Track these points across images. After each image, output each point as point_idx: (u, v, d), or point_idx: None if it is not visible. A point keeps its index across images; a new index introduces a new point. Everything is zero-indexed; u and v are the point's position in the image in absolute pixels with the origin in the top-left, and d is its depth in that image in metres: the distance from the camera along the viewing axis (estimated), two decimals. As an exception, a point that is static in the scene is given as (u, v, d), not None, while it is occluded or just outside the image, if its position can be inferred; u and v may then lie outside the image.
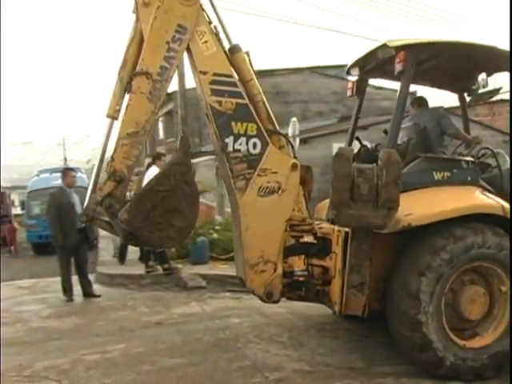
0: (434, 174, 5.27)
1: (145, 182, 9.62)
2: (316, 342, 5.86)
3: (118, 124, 4.75)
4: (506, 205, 4.99)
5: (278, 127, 5.15)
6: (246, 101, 4.89)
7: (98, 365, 5.41)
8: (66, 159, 59.49)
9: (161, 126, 31.46)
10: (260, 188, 4.88)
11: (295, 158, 5.06)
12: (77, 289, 8.92)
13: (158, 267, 9.92)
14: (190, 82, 20.32)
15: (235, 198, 4.91)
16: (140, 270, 10.25)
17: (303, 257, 5.39)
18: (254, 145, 4.87)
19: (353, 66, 6.10)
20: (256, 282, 4.95)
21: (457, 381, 4.76)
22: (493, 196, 5.17)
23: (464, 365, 4.81)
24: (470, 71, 5.87)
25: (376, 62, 5.72)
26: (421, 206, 4.95)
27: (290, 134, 11.62)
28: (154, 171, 8.36)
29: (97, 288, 9.27)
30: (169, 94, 25.46)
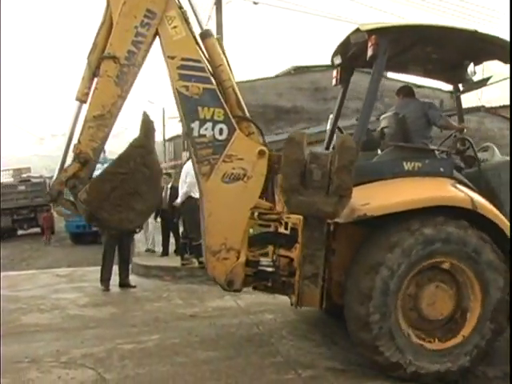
0: (405, 163, 5.05)
1: (182, 176, 9.74)
2: (349, 341, 5.77)
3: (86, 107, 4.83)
4: (478, 198, 4.76)
5: (247, 113, 5.09)
6: (214, 86, 4.87)
7: (132, 354, 5.48)
8: (104, 151, 60.29)
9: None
10: (225, 174, 4.83)
11: (264, 145, 4.96)
12: (114, 279, 9.06)
13: (194, 260, 9.98)
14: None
15: (200, 184, 4.90)
16: (176, 262, 10.36)
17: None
18: (221, 130, 4.84)
19: (335, 53, 5.93)
20: (218, 269, 4.92)
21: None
22: (465, 189, 4.91)
23: (425, 368, 4.63)
24: (457, 59, 5.63)
25: (356, 49, 5.50)
26: (381, 196, 4.78)
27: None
28: (191, 165, 8.41)
29: (132, 279, 9.38)
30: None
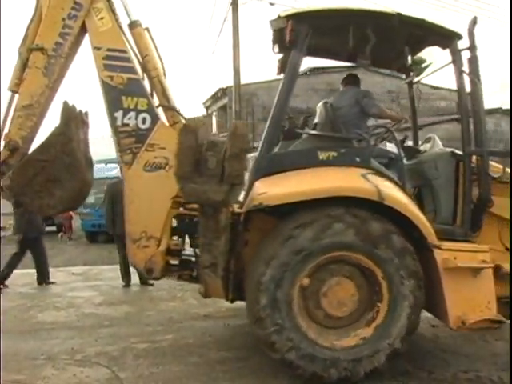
0: (319, 153, 4.82)
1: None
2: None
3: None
4: (387, 190, 4.55)
5: (174, 103, 5.13)
6: (138, 76, 4.95)
7: (146, 354, 5.49)
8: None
9: (214, 120, 31.69)
10: (146, 163, 4.89)
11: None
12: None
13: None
14: (245, 78, 20.41)
15: (122, 172, 4.95)
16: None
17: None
18: (144, 120, 4.91)
19: (273, 42, 5.69)
20: (138, 256, 4.97)
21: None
22: (376, 179, 4.66)
23: (327, 366, 4.46)
24: (392, 45, 5.46)
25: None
26: (283, 185, 4.62)
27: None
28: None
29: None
30: (223, 89, 25.70)
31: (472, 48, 4.92)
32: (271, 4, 18.80)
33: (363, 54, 5.90)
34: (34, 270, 9.68)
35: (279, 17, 4.89)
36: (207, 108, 33.16)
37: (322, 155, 4.82)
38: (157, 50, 5.23)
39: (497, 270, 4.96)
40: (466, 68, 4.99)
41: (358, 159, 4.86)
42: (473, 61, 4.93)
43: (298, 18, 4.80)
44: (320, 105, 5.71)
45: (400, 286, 4.54)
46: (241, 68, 18.07)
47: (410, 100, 6.57)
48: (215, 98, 29.38)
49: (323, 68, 27.72)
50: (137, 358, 5.36)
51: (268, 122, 4.90)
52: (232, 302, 4.95)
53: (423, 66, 5.90)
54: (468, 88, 5.00)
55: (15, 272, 9.44)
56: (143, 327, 6.54)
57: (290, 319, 4.47)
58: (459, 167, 5.15)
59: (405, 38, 5.29)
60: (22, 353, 5.49)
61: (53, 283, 9.51)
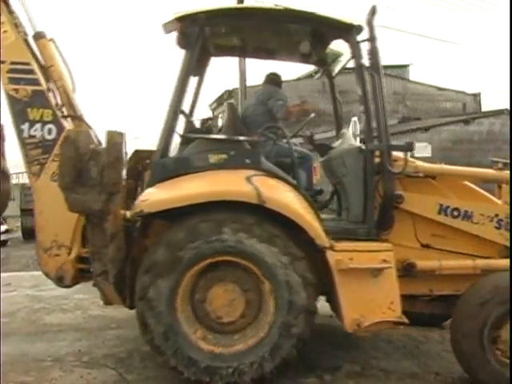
0: (210, 156, 4.76)
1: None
2: (371, 345, 5.79)
3: None
4: (268, 192, 4.43)
5: (80, 112, 5.18)
6: (43, 87, 4.97)
7: (153, 356, 5.43)
8: (126, 153, 60.68)
9: (220, 122, 31.73)
10: (54, 173, 4.88)
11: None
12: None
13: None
14: (250, 80, 20.43)
15: (31, 183, 4.98)
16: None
17: None
18: (50, 131, 4.95)
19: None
20: (49, 265, 5.01)
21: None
22: (261, 181, 4.54)
23: (213, 372, 4.39)
24: (298, 40, 5.33)
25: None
26: (166, 192, 4.60)
27: (350, 134, 11.53)
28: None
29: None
30: (229, 91, 25.73)
31: (371, 39, 4.85)
32: (276, 6, 18.79)
33: (274, 50, 5.94)
34: (39, 272, 9.69)
35: (171, 20, 4.87)
36: (213, 110, 33.22)
37: (213, 158, 4.77)
38: (64, 61, 5.27)
39: (410, 267, 4.97)
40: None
41: (247, 161, 4.79)
42: (373, 53, 4.86)
43: (187, 19, 4.79)
44: (225, 105, 5.72)
45: (286, 290, 4.45)
46: (246, 70, 18.11)
47: (330, 92, 6.49)
48: (221, 100, 29.42)
49: (329, 70, 27.69)
50: (143, 360, 5.35)
51: (162, 128, 4.87)
52: (131, 308, 4.85)
53: (336, 58, 5.90)
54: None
55: (22, 274, 9.46)
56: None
57: (174, 325, 4.44)
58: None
59: (306, 33, 5.23)
60: (29, 355, 5.50)
61: None
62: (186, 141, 5.15)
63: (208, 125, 5.85)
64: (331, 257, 4.57)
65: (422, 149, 14.01)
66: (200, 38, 4.82)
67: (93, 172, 4.45)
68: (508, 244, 5.20)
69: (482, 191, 5.50)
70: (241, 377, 4.41)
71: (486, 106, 28.47)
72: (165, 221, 4.68)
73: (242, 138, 5.06)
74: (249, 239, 4.41)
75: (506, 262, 5.07)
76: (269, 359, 4.44)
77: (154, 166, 4.92)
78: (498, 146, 17.60)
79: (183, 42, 4.90)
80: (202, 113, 34.45)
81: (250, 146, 5.00)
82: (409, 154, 4.86)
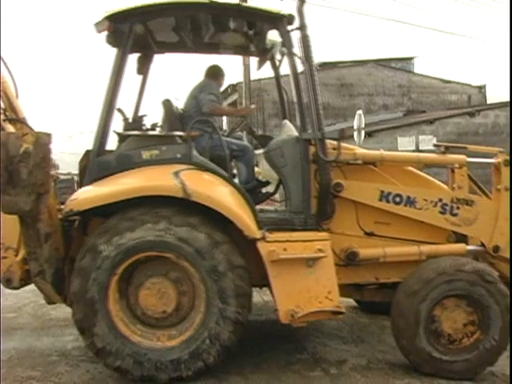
0: (143, 153, 4.81)
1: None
2: (377, 339, 5.79)
3: None
4: (195, 186, 4.48)
5: (23, 115, 5.14)
6: None
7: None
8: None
9: (225, 116, 31.67)
10: None
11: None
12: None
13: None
14: (254, 74, 20.39)
15: None
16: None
17: None
18: None
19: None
20: None
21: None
22: (190, 176, 4.59)
23: (155, 367, 4.44)
24: (233, 32, 5.34)
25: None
26: (97, 190, 4.63)
27: (355, 127, 11.51)
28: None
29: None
30: (233, 85, 25.71)
31: (302, 28, 4.82)
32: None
33: (213, 44, 5.90)
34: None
35: (102, 19, 4.84)
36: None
37: (146, 154, 4.82)
38: (5, 65, 5.18)
39: (353, 256, 4.99)
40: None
41: (179, 155, 4.83)
42: (304, 41, 4.82)
43: (117, 17, 4.78)
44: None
45: (214, 276, 4.46)
46: (250, 64, 18.06)
47: (275, 82, 6.31)
48: (225, 94, 29.37)
49: (333, 63, 27.67)
50: (149, 354, 5.36)
51: (96, 127, 4.88)
52: (71, 306, 4.81)
53: (276, 49, 5.78)
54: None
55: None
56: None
57: (110, 326, 4.47)
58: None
59: (239, 25, 5.20)
60: (35, 349, 5.53)
61: None
62: (122, 139, 5.16)
63: (144, 122, 5.83)
64: (263, 248, 4.58)
65: (428, 141, 13.94)
66: (131, 35, 4.82)
67: (23, 173, 4.42)
68: (455, 229, 5.22)
69: (427, 176, 5.50)
70: (184, 368, 4.48)
71: (492, 98, 28.32)
72: (103, 218, 4.67)
73: (170, 133, 5.13)
74: (171, 232, 4.43)
75: (449, 247, 5.15)
76: (209, 348, 4.49)
77: (89, 166, 4.92)
78: (503, 138, 17.50)
79: (114, 40, 4.86)
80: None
81: (182, 141, 5.01)
82: (357, 142, 4.88)
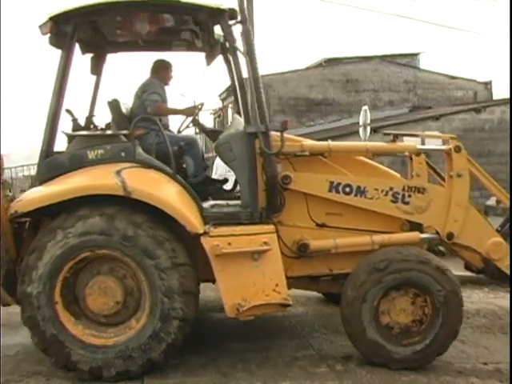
0: (89, 152, 4.85)
1: (214, 169, 9.75)
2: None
3: None
4: (135, 184, 4.53)
5: None
6: None
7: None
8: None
9: (230, 112, 31.67)
10: None
11: None
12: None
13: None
14: (261, 70, 20.38)
15: None
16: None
17: None
18: None
19: None
20: None
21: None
22: (132, 174, 4.65)
23: (103, 364, 4.52)
24: (179, 29, 5.34)
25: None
26: (40, 191, 4.68)
27: (360, 123, 11.48)
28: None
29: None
30: (238, 81, 25.63)
31: (243, 21, 4.80)
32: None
33: (162, 42, 5.91)
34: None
35: (45, 21, 4.83)
36: (223, 100, 33.14)
37: (91, 154, 4.86)
38: None
39: (304, 248, 5.01)
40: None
41: (123, 154, 4.87)
42: (245, 35, 4.80)
43: (59, 19, 4.78)
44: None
45: (159, 279, 4.52)
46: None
47: (229, 75, 6.12)
48: (231, 90, 29.36)
49: (339, 59, 27.57)
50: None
51: (44, 129, 4.90)
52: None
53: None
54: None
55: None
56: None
57: (58, 326, 4.55)
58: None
59: (182, 21, 5.19)
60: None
61: None
62: (70, 139, 5.18)
63: (93, 121, 5.85)
64: (206, 243, 4.62)
65: (434, 138, 13.85)
66: (74, 36, 4.83)
67: None
68: (407, 217, 5.22)
69: (379, 165, 5.50)
70: (132, 365, 4.56)
71: (498, 94, 28.16)
72: (52, 219, 4.70)
73: (114, 132, 5.20)
74: (114, 231, 4.49)
75: (402, 236, 5.16)
76: (155, 345, 4.56)
77: (38, 167, 4.98)
78: (507, 134, 17.43)
79: (57, 42, 4.86)
80: (213, 103, 34.37)
81: (126, 140, 5.04)
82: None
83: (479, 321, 6.28)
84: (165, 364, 4.75)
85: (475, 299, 7.20)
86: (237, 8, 4.81)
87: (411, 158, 5.27)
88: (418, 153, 5.23)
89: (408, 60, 28.84)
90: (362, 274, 4.77)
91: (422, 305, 4.82)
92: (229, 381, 4.67)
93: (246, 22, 4.80)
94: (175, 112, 6.05)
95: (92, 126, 5.73)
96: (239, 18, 4.82)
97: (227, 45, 5.02)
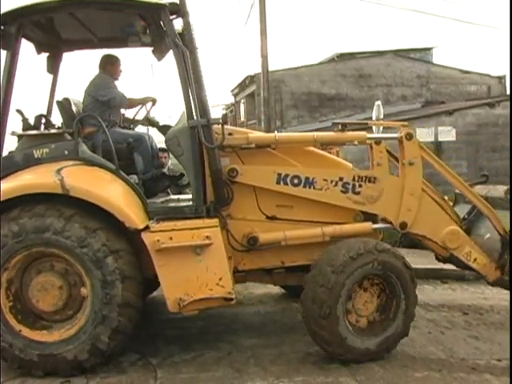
0: (35, 151, 4.87)
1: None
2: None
3: None
4: (74, 181, 4.54)
5: None
6: None
7: (177, 340, 5.53)
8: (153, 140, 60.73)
9: (242, 108, 31.67)
10: None
11: None
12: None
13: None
14: (272, 65, 20.34)
15: None
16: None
17: None
18: None
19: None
20: None
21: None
22: (73, 172, 4.67)
23: (54, 361, 4.57)
24: (125, 25, 5.27)
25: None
26: None
27: (373, 118, 11.42)
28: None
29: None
30: (251, 77, 25.70)
31: (183, 15, 4.76)
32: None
33: (114, 39, 5.86)
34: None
35: None
36: (235, 95, 33.17)
37: (37, 153, 4.89)
38: None
39: (253, 241, 4.99)
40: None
41: (66, 152, 4.89)
42: (186, 28, 4.77)
43: (3, 19, 4.73)
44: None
45: (92, 263, 4.53)
46: (268, 55, 18.01)
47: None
48: (243, 85, 29.35)
49: (352, 54, 27.49)
50: (168, 344, 5.41)
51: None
52: None
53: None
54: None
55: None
56: (172, 314, 6.53)
57: (2, 321, 4.59)
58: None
59: (127, 17, 5.12)
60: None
61: None
62: (19, 139, 5.19)
63: (50, 120, 5.79)
64: (147, 238, 4.60)
65: (447, 133, 13.76)
66: (19, 36, 4.82)
67: None
68: (359, 207, 5.17)
69: (330, 155, 5.45)
70: (86, 361, 4.60)
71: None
72: None
73: (59, 131, 5.22)
74: (44, 227, 4.51)
75: (354, 227, 5.13)
76: (101, 334, 4.58)
77: None
78: (509, 133, 17.32)
79: (4, 43, 4.82)
80: (225, 98, 34.35)
81: (70, 138, 5.04)
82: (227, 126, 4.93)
83: (493, 317, 6.22)
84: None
85: (489, 295, 7.13)
86: (177, 2, 4.75)
87: (371, 147, 5.22)
88: (379, 141, 5.18)
89: (421, 55, 28.70)
90: (328, 268, 4.66)
91: (383, 295, 4.87)
92: (242, 376, 4.67)
93: (187, 16, 4.76)
94: (136, 102, 6.04)
95: (49, 125, 5.69)
96: (180, 12, 4.77)
97: (168, 39, 4.91)
